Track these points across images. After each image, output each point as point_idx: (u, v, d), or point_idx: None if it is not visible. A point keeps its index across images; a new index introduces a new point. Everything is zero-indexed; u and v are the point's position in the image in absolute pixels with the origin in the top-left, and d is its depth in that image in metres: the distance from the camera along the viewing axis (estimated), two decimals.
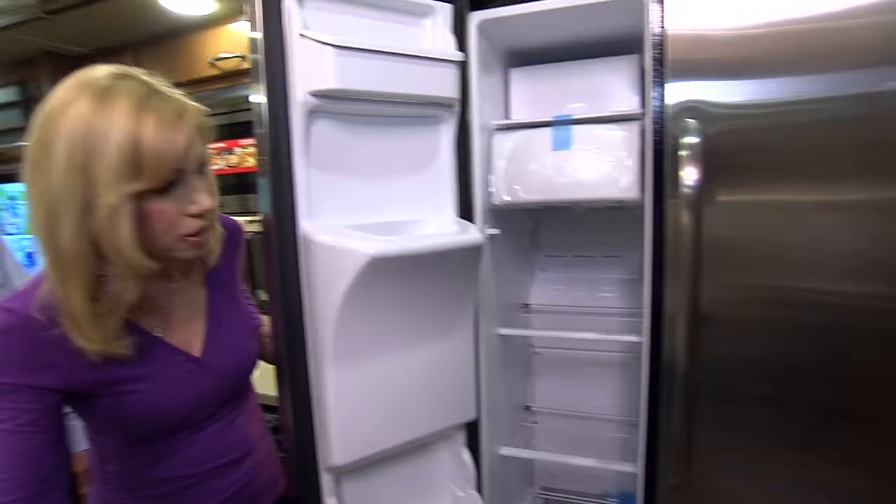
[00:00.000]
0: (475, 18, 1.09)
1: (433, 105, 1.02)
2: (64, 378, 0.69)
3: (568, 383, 1.55)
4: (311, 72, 0.85)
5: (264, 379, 0.93)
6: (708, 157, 0.87)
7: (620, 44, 1.18)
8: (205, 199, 0.71)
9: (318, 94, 0.86)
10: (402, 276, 0.91)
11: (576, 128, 1.14)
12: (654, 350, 1.02)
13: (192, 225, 0.71)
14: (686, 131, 0.88)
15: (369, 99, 0.92)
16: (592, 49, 1.22)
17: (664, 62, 0.91)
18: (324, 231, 0.88)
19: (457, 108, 1.05)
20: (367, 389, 0.95)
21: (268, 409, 1.46)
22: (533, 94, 1.29)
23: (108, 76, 0.66)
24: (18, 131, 2.11)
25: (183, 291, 0.81)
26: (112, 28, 1.78)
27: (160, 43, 1.84)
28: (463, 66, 1.03)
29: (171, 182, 0.67)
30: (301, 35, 0.84)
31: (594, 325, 1.44)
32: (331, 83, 0.85)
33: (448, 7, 1.03)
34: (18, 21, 1.73)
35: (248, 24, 0.84)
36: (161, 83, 0.69)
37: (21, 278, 1.29)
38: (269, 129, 0.85)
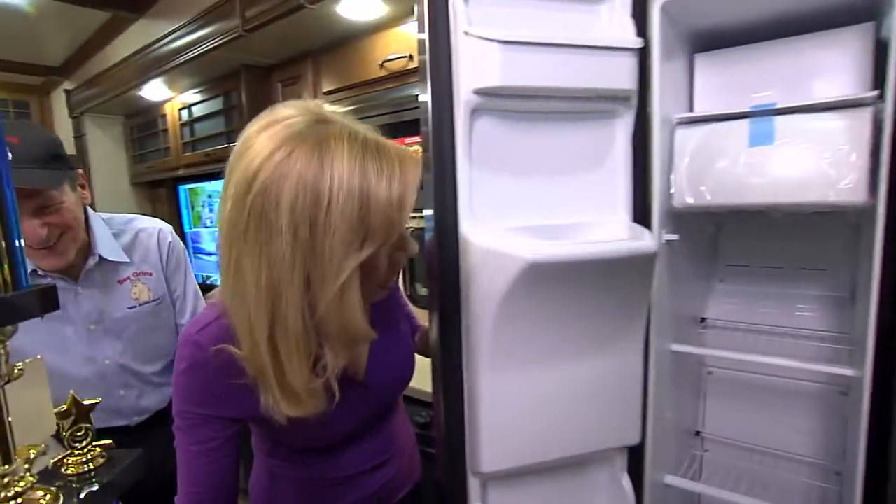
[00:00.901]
0: None
1: (607, 99, 0.93)
2: (247, 411, 0.71)
3: (745, 410, 1.35)
4: (475, 69, 0.82)
5: (421, 375, 0.93)
6: None
7: (833, 15, 0.96)
8: (415, 245, 0.68)
9: (481, 92, 0.83)
10: (564, 284, 0.84)
11: (777, 119, 0.96)
12: (880, 386, 0.83)
13: (397, 268, 0.69)
14: None
15: (536, 95, 0.86)
16: (790, 26, 1.02)
17: None
18: (483, 233, 0.85)
19: (634, 101, 0.95)
20: (521, 399, 0.90)
21: (424, 404, 1.49)
22: (720, 82, 1.12)
23: (312, 127, 0.60)
24: (222, 136, 2.43)
25: None
26: (296, 38, 1.94)
27: (335, 49, 1.97)
28: (642, 54, 0.93)
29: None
30: (465, 32, 0.81)
31: (783, 347, 1.23)
32: (495, 80, 0.81)
33: None
34: (224, 41, 1.98)
35: (417, 24, 0.83)
36: (356, 122, 0.64)
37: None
38: (432, 128, 0.84)
